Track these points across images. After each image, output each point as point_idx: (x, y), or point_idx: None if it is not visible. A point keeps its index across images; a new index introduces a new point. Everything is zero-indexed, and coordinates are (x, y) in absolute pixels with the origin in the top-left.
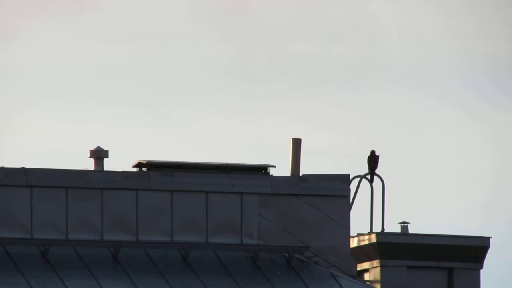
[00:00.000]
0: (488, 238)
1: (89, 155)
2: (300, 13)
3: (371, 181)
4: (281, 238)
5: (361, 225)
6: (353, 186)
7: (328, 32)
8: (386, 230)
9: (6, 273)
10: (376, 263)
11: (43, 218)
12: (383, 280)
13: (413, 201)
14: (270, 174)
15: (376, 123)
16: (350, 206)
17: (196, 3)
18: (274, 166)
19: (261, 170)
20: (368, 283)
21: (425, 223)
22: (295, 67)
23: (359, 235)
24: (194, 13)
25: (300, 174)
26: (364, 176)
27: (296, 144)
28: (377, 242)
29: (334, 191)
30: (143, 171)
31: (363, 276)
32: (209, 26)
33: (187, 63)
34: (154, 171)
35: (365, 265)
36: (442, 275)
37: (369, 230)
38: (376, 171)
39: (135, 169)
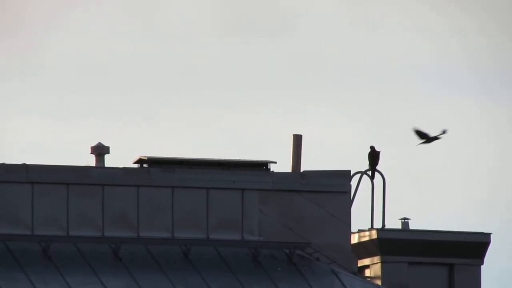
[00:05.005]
0: (488, 234)
1: (90, 152)
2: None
3: (371, 177)
4: (282, 234)
5: (361, 221)
6: (354, 182)
7: (330, 30)
8: (386, 226)
9: (7, 270)
10: (376, 259)
11: (44, 215)
12: (384, 276)
13: (413, 197)
14: (271, 170)
15: (377, 119)
16: (351, 202)
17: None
18: (275, 162)
19: (262, 166)
20: (368, 279)
21: (425, 219)
22: (296, 64)
23: (359, 231)
24: (194, 12)
25: (301, 170)
26: (365, 172)
27: (297, 140)
28: (378, 238)
29: (335, 187)
30: (144, 167)
31: (363, 272)
32: (210, 23)
33: (187, 60)
34: (155, 167)
35: (365, 261)
36: (443, 271)
37: (369, 226)
38: (377, 167)
39: (136, 165)
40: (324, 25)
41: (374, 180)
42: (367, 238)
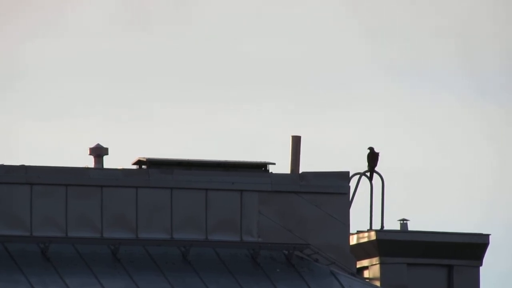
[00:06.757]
0: (487, 235)
1: (89, 153)
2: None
3: (370, 179)
4: (281, 235)
5: (360, 223)
6: (352, 183)
7: (327, 29)
8: (385, 228)
9: (6, 271)
10: (375, 260)
11: (43, 216)
12: (383, 277)
13: (412, 198)
14: (270, 171)
15: (376, 120)
16: (349, 203)
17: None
18: (274, 164)
19: (261, 167)
20: (367, 280)
21: (424, 221)
22: (295, 64)
23: (358, 232)
24: (195, 11)
25: (300, 172)
26: (363, 174)
27: (296, 141)
28: (377, 240)
29: (333, 188)
30: (143, 168)
31: (362, 274)
32: (204, 24)
33: (186, 60)
34: (153, 169)
35: (364, 263)
36: (442, 272)
37: (368, 228)
38: (376, 169)
39: (134, 167)
40: (324, 26)
41: (373, 181)
42: (366, 239)
